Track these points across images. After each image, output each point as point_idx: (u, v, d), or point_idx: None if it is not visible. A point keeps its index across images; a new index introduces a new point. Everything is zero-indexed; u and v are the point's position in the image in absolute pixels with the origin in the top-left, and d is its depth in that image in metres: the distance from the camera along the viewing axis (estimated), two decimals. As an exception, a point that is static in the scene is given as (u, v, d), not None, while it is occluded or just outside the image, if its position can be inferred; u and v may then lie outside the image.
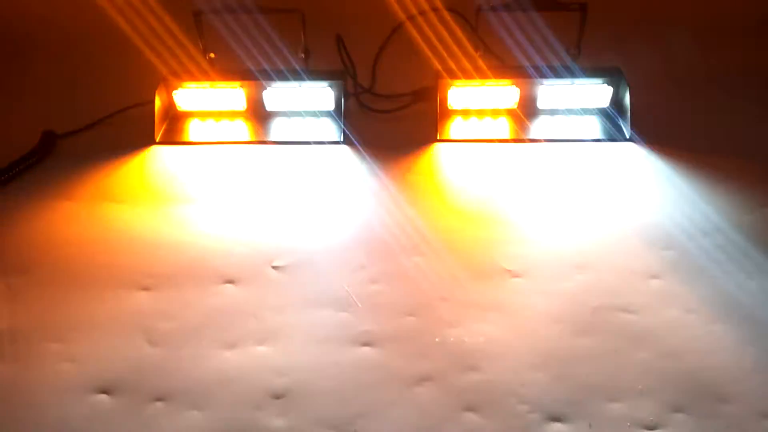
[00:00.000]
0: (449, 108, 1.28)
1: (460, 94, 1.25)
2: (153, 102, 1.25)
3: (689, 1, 1.41)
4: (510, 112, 1.28)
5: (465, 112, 1.29)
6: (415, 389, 0.90)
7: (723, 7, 1.37)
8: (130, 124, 1.27)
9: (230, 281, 1.03)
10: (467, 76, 1.23)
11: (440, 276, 1.03)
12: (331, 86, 1.26)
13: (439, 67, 1.26)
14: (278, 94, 1.26)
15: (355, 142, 1.24)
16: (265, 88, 1.26)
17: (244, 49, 1.28)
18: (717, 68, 1.31)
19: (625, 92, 1.22)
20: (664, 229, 1.08)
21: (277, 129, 1.28)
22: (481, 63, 1.25)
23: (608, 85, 1.23)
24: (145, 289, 1.02)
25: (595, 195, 1.14)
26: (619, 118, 1.25)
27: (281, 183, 1.19)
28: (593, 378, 0.90)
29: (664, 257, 1.04)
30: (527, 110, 1.28)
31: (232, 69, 1.28)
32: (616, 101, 1.25)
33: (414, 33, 1.38)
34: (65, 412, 0.87)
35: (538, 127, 1.26)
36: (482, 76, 1.23)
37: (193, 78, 1.27)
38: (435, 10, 1.41)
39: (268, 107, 1.28)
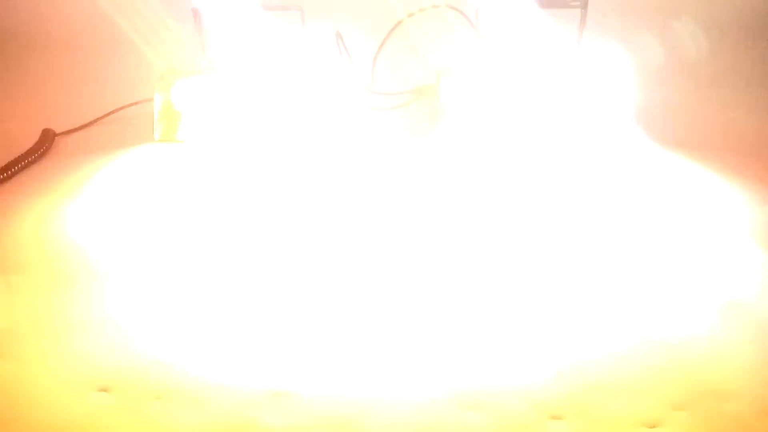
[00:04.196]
0: (449, 105, 1.27)
1: (460, 91, 1.25)
2: (152, 99, 1.25)
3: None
4: (511, 109, 1.28)
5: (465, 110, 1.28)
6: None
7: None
8: (129, 122, 1.27)
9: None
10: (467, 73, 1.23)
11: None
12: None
13: (439, 65, 1.26)
14: (279, 91, 1.26)
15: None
16: (266, 85, 1.25)
17: (244, 46, 1.28)
18: (724, 64, 1.31)
19: (627, 88, 1.22)
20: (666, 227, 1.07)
21: (278, 126, 1.28)
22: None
23: (610, 81, 1.23)
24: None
25: (594, 190, 1.14)
26: (621, 114, 1.24)
27: (285, 180, 1.18)
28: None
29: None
30: (528, 107, 1.27)
31: (231, 66, 1.27)
32: (618, 97, 1.24)
33: (414, 29, 1.38)
34: (64, 410, 0.87)
35: (540, 124, 1.26)
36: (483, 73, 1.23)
37: (191, 75, 1.27)
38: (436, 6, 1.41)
39: (269, 104, 1.28)
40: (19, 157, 1.20)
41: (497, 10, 1.22)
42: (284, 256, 1.05)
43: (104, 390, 0.89)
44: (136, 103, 1.29)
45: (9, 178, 1.18)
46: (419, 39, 1.36)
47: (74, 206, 1.14)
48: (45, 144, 1.24)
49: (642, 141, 1.21)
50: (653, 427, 0.83)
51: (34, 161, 1.21)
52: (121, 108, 1.30)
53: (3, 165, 1.19)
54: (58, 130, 1.27)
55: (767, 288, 0.98)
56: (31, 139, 1.24)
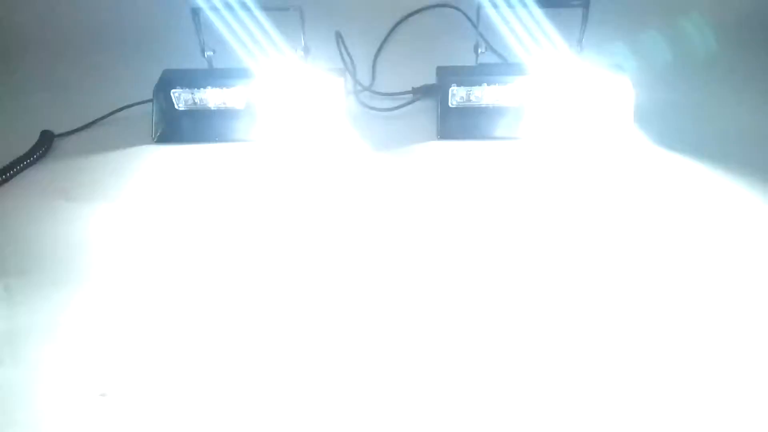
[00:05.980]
0: (450, 106, 1.26)
1: (461, 91, 1.24)
2: (151, 100, 1.25)
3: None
4: (512, 110, 1.28)
5: (466, 110, 1.27)
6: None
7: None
8: (129, 123, 1.27)
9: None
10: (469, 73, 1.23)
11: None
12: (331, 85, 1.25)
13: (440, 65, 1.26)
14: (277, 92, 1.26)
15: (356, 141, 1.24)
16: (265, 86, 1.25)
17: (243, 47, 1.27)
18: (726, 65, 1.30)
19: (628, 89, 1.21)
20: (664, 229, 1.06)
21: (277, 128, 1.27)
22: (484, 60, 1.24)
23: (611, 81, 1.22)
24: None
25: (596, 193, 1.13)
26: (622, 116, 1.24)
27: (283, 182, 1.18)
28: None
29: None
30: (529, 107, 1.27)
31: (230, 66, 1.27)
32: (620, 98, 1.24)
33: (414, 29, 1.38)
34: (64, 414, 0.87)
35: (540, 125, 1.25)
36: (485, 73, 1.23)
37: (191, 76, 1.27)
38: (436, 6, 1.41)
39: (267, 105, 1.27)
40: (17, 159, 1.20)
41: (498, 9, 1.22)
42: (284, 262, 1.05)
43: (104, 395, 0.89)
44: (135, 105, 1.29)
45: (8, 180, 1.18)
46: (419, 39, 1.35)
47: (73, 208, 1.14)
48: (44, 146, 1.23)
49: (644, 142, 1.20)
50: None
51: (33, 163, 1.21)
52: (121, 109, 1.29)
53: (2, 167, 1.19)
54: (57, 132, 1.27)
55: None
56: (30, 140, 1.24)
